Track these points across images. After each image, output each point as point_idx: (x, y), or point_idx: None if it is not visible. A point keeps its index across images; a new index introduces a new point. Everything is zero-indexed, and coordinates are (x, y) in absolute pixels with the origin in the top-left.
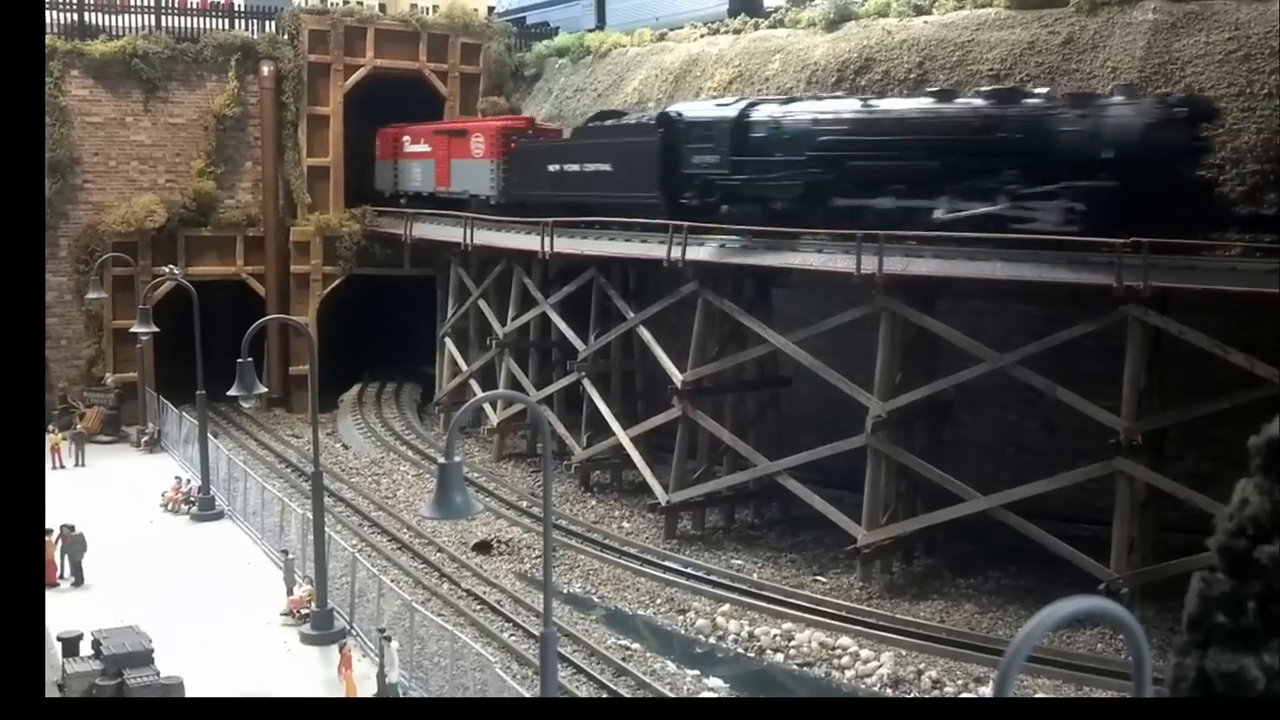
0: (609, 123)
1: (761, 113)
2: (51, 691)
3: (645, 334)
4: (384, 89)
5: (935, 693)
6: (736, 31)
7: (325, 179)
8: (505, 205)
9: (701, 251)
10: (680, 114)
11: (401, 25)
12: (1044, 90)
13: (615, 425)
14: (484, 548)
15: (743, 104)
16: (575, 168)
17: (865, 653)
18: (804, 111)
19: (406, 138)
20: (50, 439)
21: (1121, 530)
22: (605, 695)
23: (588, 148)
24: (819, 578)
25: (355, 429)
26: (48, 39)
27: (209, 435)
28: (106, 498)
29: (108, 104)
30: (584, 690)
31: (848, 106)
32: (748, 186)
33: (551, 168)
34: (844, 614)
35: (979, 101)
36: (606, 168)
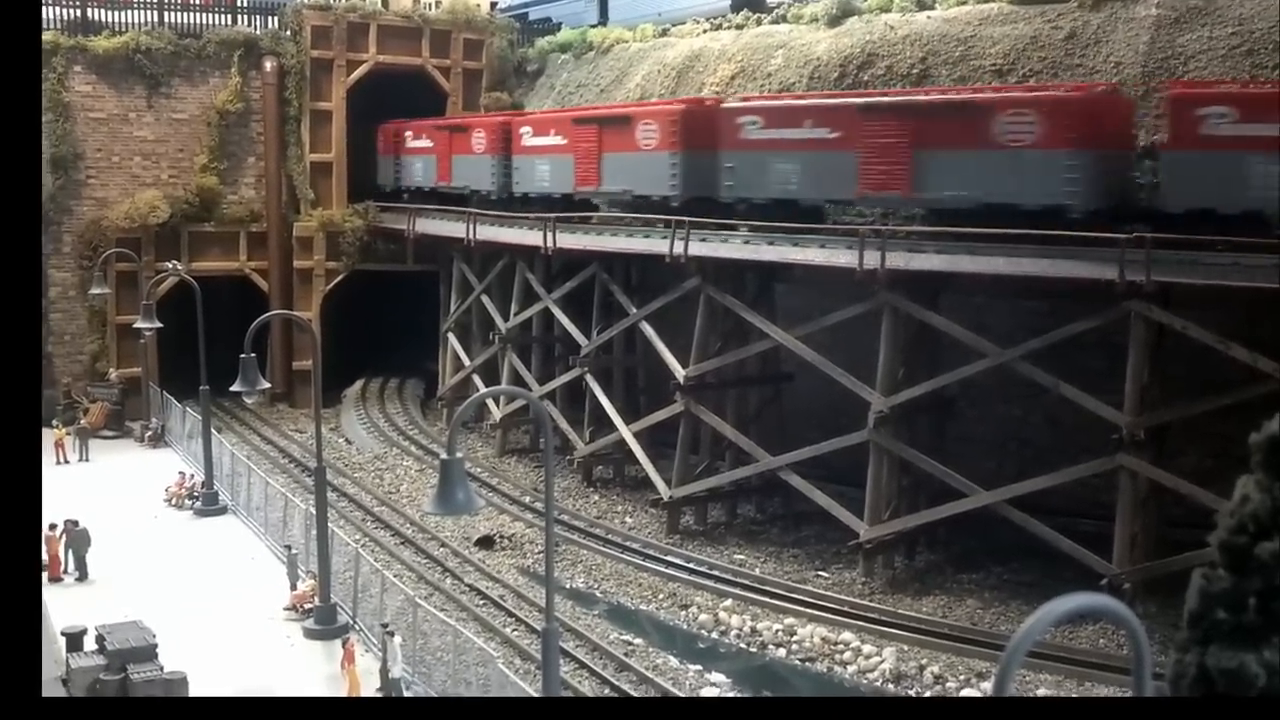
0: None
1: None
2: (56, 687)
3: (648, 329)
4: (386, 85)
5: (937, 687)
6: (739, 27)
7: (328, 174)
8: None
9: (704, 247)
10: None
11: (404, 21)
12: None
13: (618, 420)
14: (486, 543)
15: None
16: None
17: (867, 648)
18: None
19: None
20: (55, 434)
21: (1124, 526)
22: (608, 689)
23: None
24: (821, 573)
25: (358, 424)
26: (52, 35)
27: (212, 430)
28: (110, 493)
29: (111, 100)
30: (586, 685)
31: None
32: None
33: None
34: (846, 609)
35: None
36: None
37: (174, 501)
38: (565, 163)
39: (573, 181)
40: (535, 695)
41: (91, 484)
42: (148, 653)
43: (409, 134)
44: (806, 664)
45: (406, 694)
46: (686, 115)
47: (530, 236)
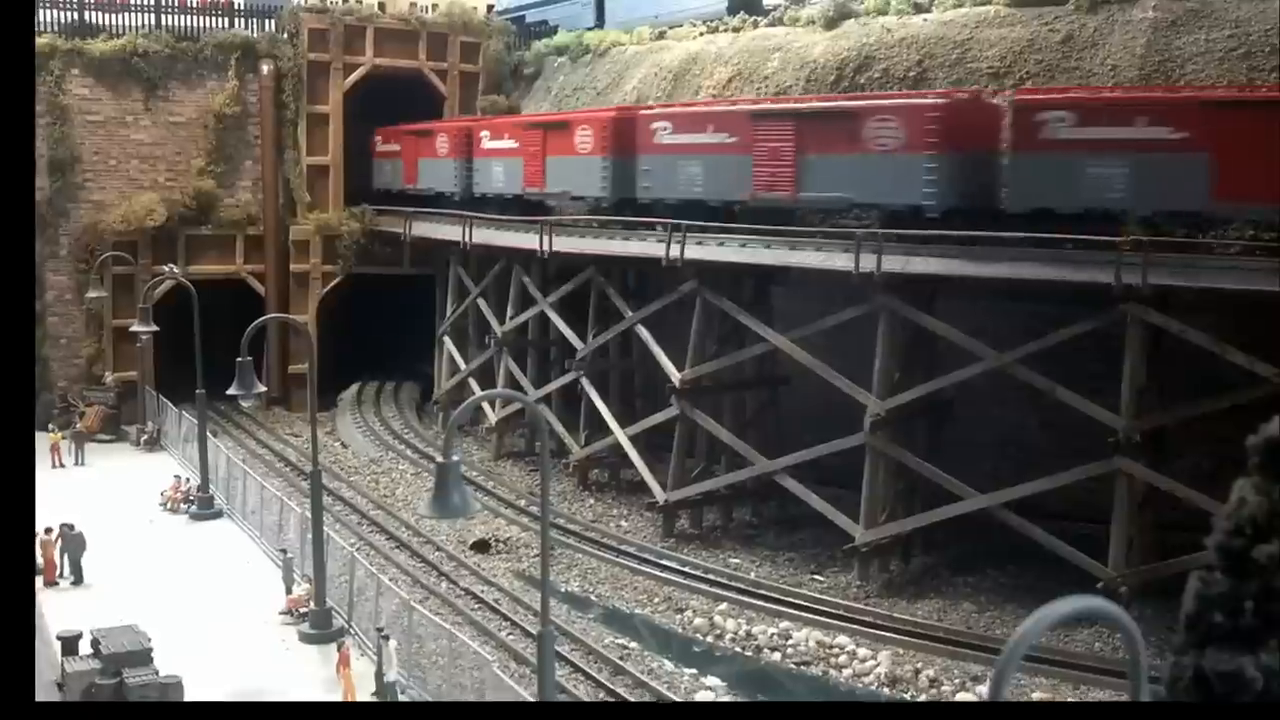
0: None
1: None
2: (51, 690)
3: (644, 333)
4: (383, 88)
5: (933, 691)
6: (735, 30)
7: (325, 178)
8: None
9: (700, 250)
10: None
11: (401, 24)
12: None
13: (613, 424)
14: (482, 546)
15: None
16: None
17: (863, 651)
18: None
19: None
20: (50, 438)
21: (1120, 529)
22: (603, 693)
23: None
24: (816, 576)
25: (354, 428)
26: (49, 38)
27: (208, 434)
28: (106, 497)
29: (108, 103)
30: (582, 689)
31: None
32: None
33: None
34: (841, 613)
35: None
36: None
37: (169, 505)
38: (734, 164)
39: (750, 186)
40: (530, 699)
41: (87, 488)
42: (143, 657)
43: (486, 133)
44: (802, 667)
45: (401, 698)
46: (949, 112)
47: (527, 240)
